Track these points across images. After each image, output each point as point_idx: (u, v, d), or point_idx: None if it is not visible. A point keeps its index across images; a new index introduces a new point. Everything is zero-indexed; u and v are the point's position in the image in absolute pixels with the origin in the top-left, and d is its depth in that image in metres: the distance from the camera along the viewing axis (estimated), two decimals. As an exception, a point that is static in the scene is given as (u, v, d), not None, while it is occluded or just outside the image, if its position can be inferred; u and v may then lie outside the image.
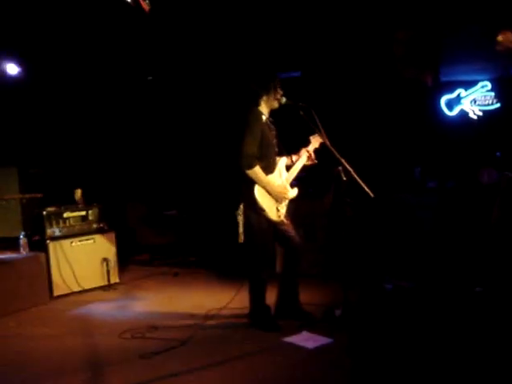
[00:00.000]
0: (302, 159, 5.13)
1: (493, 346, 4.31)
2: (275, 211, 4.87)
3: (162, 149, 9.03)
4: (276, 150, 5.04)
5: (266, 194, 4.80)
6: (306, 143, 5.20)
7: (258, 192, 4.76)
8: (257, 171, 4.72)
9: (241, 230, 4.88)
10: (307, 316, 5.15)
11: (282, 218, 4.94)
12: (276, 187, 4.86)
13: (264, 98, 4.92)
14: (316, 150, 5.20)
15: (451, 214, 6.70)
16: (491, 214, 6.38)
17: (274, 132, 5.02)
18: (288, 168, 5.12)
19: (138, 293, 6.61)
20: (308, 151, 5.14)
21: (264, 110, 4.95)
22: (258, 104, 4.93)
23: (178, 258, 8.12)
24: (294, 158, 5.17)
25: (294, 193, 5.07)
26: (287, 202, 5.01)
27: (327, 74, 8.41)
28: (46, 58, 7.14)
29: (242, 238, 4.88)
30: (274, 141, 5.01)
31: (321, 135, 5.00)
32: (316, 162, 5.20)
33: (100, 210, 7.02)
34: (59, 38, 6.88)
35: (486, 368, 3.95)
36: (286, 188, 4.97)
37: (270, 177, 4.87)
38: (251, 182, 4.76)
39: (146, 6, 5.55)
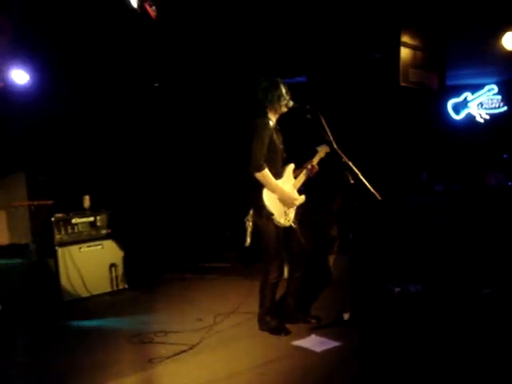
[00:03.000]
0: (306, 172, 5.11)
1: (500, 347, 4.31)
2: (283, 216, 4.88)
3: (170, 155, 9.05)
4: (284, 155, 5.05)
5: (275, 198, 4.82)
6: (313, 154, 5.18)
7: (267, 196, 4.78)
8: (265, 174, 4.74)
9: (248, 234, 4.90)
10: (315, 320, 5.16)
11: (291, 222, 4.95)
12: (285, 192, 4.88)
13: (272, 105, 4.92)
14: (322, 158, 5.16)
15: (459, 216, 6.68)
16: (499, 216, 6.36)
17: (280, 138, 5.03)
18: (295, 175, 5.11)
19: (147, 298, 6.62)
20: (312, 164, 5.10)
21: (272, 116, 4.96)
22: (266, 112, 4.93)
23: (187, 263, 8.13)
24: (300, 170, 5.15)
25: (301, 199, 5.08)
26: (295, 207, 5.02)
27: (333, 78, 8.43)
28: (54, 65, 7.18)
29: (248, 242, 4.90)
30: (281, 147, 5.02)
31: (328, 142, 4.99)
32: (317, 170, 5.13)
33: (108, 215, 7.05)
34: (67, 44, 6.92)
35: (493, 369, 3.94)
36: (294, 193, 4.99)
37: (280, 181, 4.89)
38: (260, 187, 4.77)
39: (152, 12, 5.58)
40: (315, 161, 5.11)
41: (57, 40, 6.81)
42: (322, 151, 5.13)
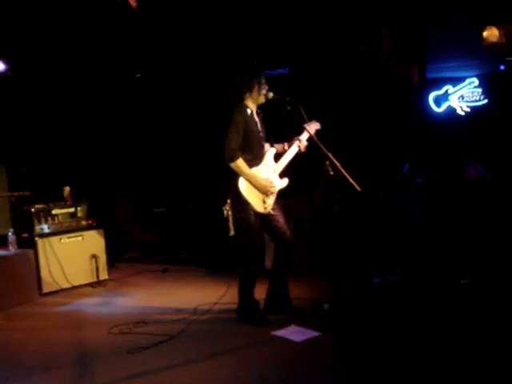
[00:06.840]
0: (293, 149, 5.07)
1: (480, 337, 4.36)
2: (261, 203, 4.87)
3: (150, 146, 9.03)
4: (263, 143, 5.03)
5: (251, 186, 4.81)
6: (300, 131, 5.08)
7: (242, 185, 4.78)
8: (239, 164, 4.74)
9: (231, 223, 4.91)
10: (296, 310, 5.18)
11: (269, 209, 4.94)
12: (260, 180, 4.86)
13: (249, 93, 4.91)
14: (309, 140, 5.06)
15: (438, 207, 6.74)
16: (478, 207, 6.44)
17: (259, 125, 5.00)
18: (278, 158, 5.08)
19: (127, 289, 6.62)
20: (300, 140, 5.07)
21: (250, 104, 4.95)
22: (243, 99, 4.93)
23: (168, 254, 8.12)
24: (287, 145, 5.12)
25: (283, 183, 5.06)
26: (275, 193, 5.01)
27: (315, 70, 8.44)
28: (34, 55, 7.12)
29: (232, 232, 4.91)
30: (262, 134, 5.01)
31: (310, 127, 4.99)
32: (304, 150, 5.09)
33: (89, 206, 7.02)
34: (47, 34, 6.87)
35: (472, 358, 3.99)
36: (270, 181, 4.94)
37: (255, 169, 4.87)
38: (236, 175, 4.78)
39: (133, 2, 5.55)
40: (303, 137, 5.05)
41: (37, 30, 6.76)
42: (311, 128, 5.05)
